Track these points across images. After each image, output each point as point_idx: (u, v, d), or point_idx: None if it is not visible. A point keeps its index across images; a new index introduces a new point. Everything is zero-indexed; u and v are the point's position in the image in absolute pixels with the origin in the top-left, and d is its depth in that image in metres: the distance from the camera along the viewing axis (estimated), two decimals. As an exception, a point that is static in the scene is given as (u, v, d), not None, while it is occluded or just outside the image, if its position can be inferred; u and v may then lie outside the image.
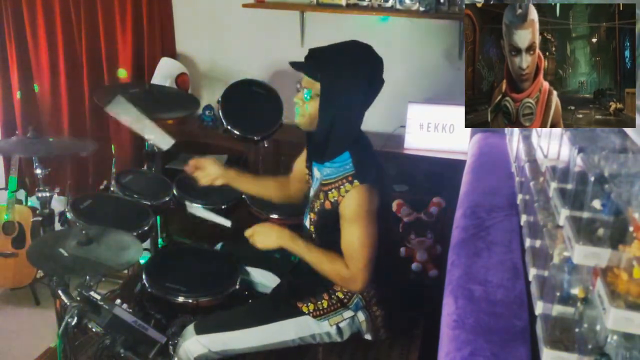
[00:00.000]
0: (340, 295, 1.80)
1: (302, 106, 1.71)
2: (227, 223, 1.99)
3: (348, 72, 1.64)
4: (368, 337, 1.84)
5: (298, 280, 1.89)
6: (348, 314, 1.80)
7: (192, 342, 1.77)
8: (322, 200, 1.73)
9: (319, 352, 2.01)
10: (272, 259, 2.08)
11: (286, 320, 1.80)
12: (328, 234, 1.74)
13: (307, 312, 1.79)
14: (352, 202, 1.65)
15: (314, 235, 1.82)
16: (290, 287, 1.92)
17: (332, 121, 1.66)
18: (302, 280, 1.84)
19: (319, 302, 1.80)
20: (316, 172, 1.80)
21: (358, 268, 1.67)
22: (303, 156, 1.96)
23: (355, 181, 1.64)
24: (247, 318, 1.82)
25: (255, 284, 2.11)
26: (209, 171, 1.98)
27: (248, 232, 1.79)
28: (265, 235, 1.76)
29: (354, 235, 1.66)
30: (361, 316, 1.81)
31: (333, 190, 1.69)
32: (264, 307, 1.90)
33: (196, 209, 2.19)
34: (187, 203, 2.33)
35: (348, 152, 1.69)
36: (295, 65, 1.67)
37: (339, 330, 1.82)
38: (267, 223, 1.85)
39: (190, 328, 1.80)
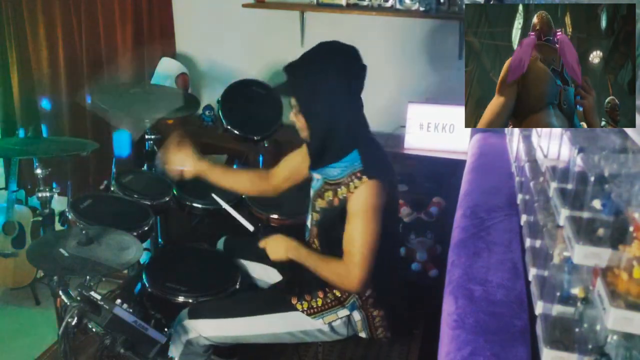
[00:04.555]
0: (337, 294, 1.80)
1: (297, 121, 1.75)
2: (250, 227, 1.96)
3: (319, 80, 1.66)
4: (363, 335, 1.84)
5: (296, 277, 1.90)
6: (343, 312, 1.80)
7: (184, 326, 1.81)
8: (330, 198, 1.74)
9: (319, 352, 2.01)
10: None
11: (278, 314, 1.82)
12: (332, 232, 1.74)
13: (300, 309, 1.80)
14: (360, 197, 1.66)
15: (316, 235, 1.83)
16: (287, 283, 1.94)
17: (325, 128, 1.69)
18: (299, 277, 1.84)
19: (313, 300, 1.81)
20: (316, 175, 1.81)
21: (354, 263, 1.66)
22: (297, 155, 1.98)
23: (364, 177, 1.66)
24: (240, 308, 1.86)
25: (255, 280, 2.11)
26: (179, 162, 1.97)
27: (262, 244, 1.84)
28: (275, 248, 1.81)
29: (357, 230, 1.66)
30: (357, 316, 1.81)
31: (342, 187, 1.70)
32: (259, 299, 1.95)
33: (225, 206, 2.09)
34: (216, 198, 2.10)
35: (356, 149, 1.70)
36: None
37: (332, 329, 1.83)
38: (278, 235, 1.85)
39: (184, 312, 1.85)
